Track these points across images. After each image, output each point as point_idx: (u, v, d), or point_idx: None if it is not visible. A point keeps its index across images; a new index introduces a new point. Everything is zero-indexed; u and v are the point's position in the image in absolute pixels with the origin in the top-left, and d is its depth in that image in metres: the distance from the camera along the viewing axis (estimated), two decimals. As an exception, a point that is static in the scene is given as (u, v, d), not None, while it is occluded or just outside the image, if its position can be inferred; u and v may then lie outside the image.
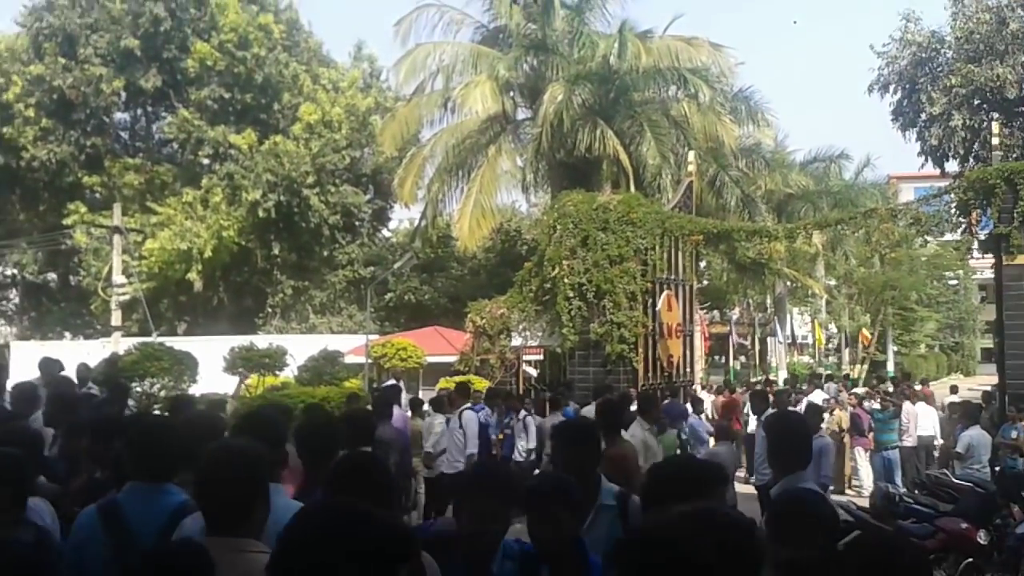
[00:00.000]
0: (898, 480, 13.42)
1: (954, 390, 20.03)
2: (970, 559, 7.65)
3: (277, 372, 18.79)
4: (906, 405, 15.07)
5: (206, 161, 34.52)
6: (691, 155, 20.27)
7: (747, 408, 13.96)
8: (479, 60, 24.26)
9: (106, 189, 34.24)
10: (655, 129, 22.14)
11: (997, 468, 11.76)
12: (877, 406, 15.66)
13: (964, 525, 7.81)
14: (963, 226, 16.14)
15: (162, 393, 15.36)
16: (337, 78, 36.32)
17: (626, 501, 3.69)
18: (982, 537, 7.59)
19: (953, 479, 10.20)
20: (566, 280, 16.24)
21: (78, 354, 18.49)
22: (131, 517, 3.27)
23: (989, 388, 17.97)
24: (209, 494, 2.74)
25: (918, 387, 19.77)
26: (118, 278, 25.07)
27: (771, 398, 12.58)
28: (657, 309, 16.70)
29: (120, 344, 21.79)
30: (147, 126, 38.61)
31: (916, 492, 9.43)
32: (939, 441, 15.08)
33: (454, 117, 25.33)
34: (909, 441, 14.70)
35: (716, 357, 44.32)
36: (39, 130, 33.03)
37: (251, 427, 3.77)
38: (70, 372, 11.55)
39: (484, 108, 23.55)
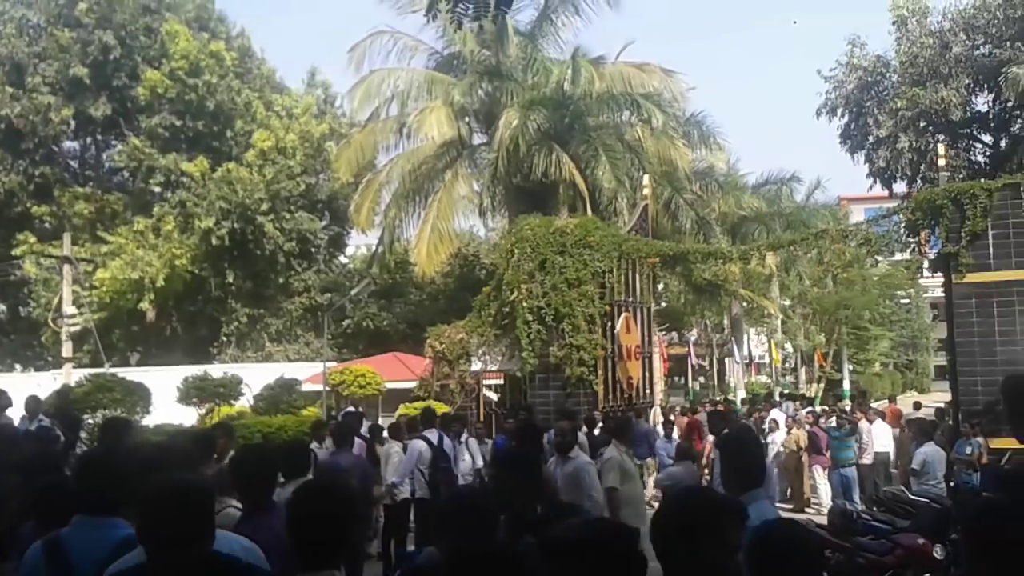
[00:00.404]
0: (856, 497, 13.55)
1: (917, 407, 20.37)
2: (927, 574, 7.73)
3: (232, 402, 18.51)
4: (862, 423, 15.25)
5: (158, 189, 34.10)
6: (646, 179, 20.47)
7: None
8: (434, 86, 24.34)
9: (55, 219, 33.63)
10: (610, 153, 22.34)
11: (952, 484, 11.96)
12: (834, 424, 15.83)
13: (921, 540, 7.90)
14: (912, 246, 16.45)
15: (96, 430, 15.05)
16: (291, 104, 36.13)
17: None
18: (938, 552, 7.68)
19: (910, 495, 10.34)
20: (525, 304, 16.25)
21: (29, 386, 18.06)
22: (73, 551, 3.26)
23: (942, 405, 18.27)
24: (151, 529, 2.72)
25: (885, 405, 20.09)
26: (68, 309, 24.57)
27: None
28: (616, 331, 16.77)
29: (71, 375, 21.32)
30: (97, 154, 38.06)
31: (874, 509, 9.52)
32: (892, 457, 15.29)
33: (410, 143, 25.38)
34: (867, 459, 14.87)
35: (675, 378, 44.56)
36: (-13, 159, 32.43)
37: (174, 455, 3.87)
38: (18, 405, 11.29)
39: (440, 133, 23.60)
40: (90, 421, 15.19)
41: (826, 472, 15.08)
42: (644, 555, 2.43)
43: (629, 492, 7.70)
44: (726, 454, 4.23)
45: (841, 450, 14.64)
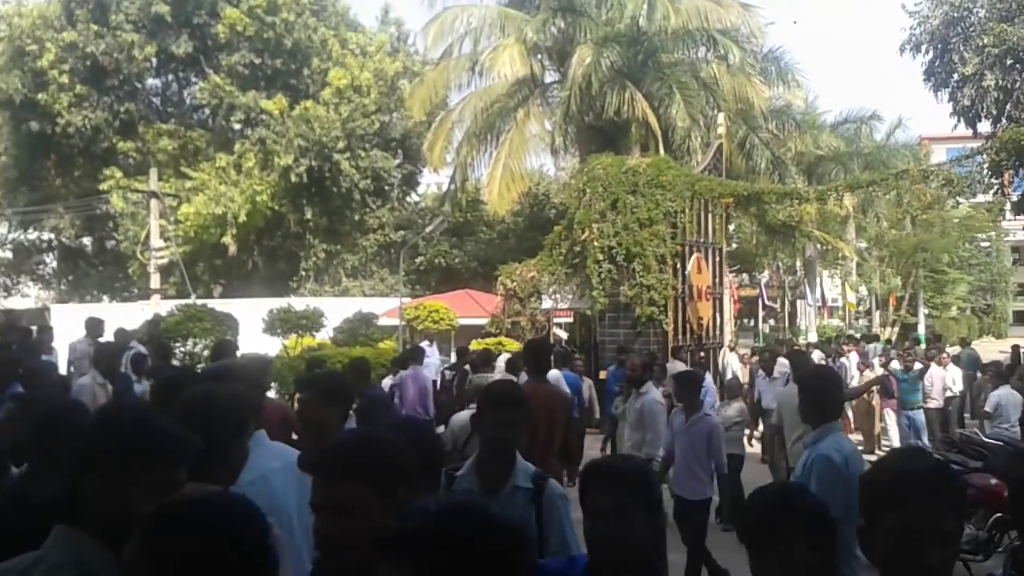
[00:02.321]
0: (924, 440, 13.55)
1: (964, 343, 20.33)
2: (999, 513, 7.82)
3: (314, 333, 19.16)
4: (932, 368, 15.16)
5: (238, 126, 34.78)
6: (720, 117, 20.26)
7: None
8: (507, 23, 24.24)
9: (140, 154, 34.61)
10: (684, 91, 22.08)
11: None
12: (901, 368, 15.76)
13: (993, 481, 7.97)
14: (995, 187, 16.08)
15: (205, 352, 15.74)
16: (365, 43, 36.33)
17: (543, 484, 3.25)
18: (1009, 492, 7.74)
19: (983, 438, 10.37)
20: (596, 243, 16.41)
21: (117, 317, 18.99)
22: None
23: (1021, 344, 18.02)
24: None
25: (956, 349, 19.87)
26: (156, 242, 25.51)
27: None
28: (687, 272, 16.86)
29: (159, 306, 22.24)
30: (179, 92, 38.87)
31: (946, 451, 9.59)
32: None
33: (482, 81, 25.39)
34: (933, 403, 14.82)
35: (745, 320, 44.30)
36: (73, 96, 33.36)
37: (230, 375, 3.79)
38: (109, 333, 11.94)
39: (512, 71, 23.56)
40: (181, 350, 15.96)
41: (896, 415, 15.08)
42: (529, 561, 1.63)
43: None
44: (807, 390, 4.41)
45: (909, 393, 14.59)
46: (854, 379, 16.01)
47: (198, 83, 36.08)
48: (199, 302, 19.89)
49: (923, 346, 21.02)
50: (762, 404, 11.15)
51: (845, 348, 19.35)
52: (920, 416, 14.29)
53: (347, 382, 4.07)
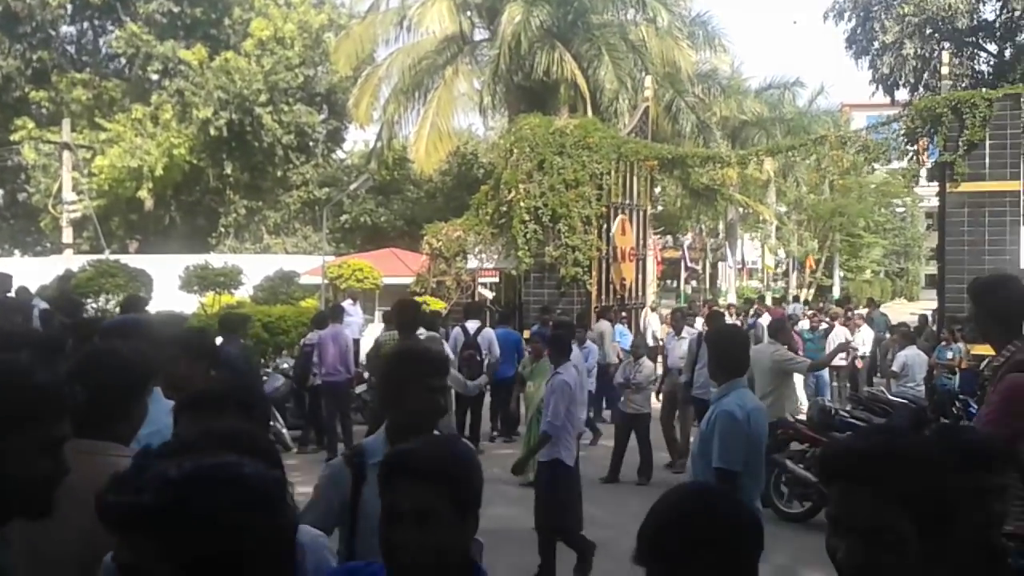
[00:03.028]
0: (828, 398, 14.00)
1: (871, 303, 21.37)
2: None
3: (232, 291, 18.81)
4: (836, 328, 15.70)
5: (155, 77, 33.71)
6: (648, 80, 20.36)
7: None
8: (436, -23, 23.85)
9: (53, 104, 33.32)
10: (613, 53, 22.11)
11: (931, 386, 12.44)
12: (808, 327, 16.25)
13: (895, 437, 8.27)
14: (911, 154, 16.55)
15: (116, 309, 15.32)
16: (289, -8, 35.41)
17: None
18: (909, 447, 8.05)
19: (889, 396, 10.77)
20: (522, 203, 16.42)
21: (30, 271, 18.33)
22: None
23: (929, 312, 18.73)
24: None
25: (864, 310, 20.64)
26: (68, 195, 24.62)
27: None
28: (611, 233, 17.01)
29: (72, 261, 21.53)
30: (94, 40, 37.38)
31: (852, 407, 9.92)
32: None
33: (410, 36, 24.96)
34: (839, 361, 15.37)
35: (668, 281, 45.04)
36: (-18, 43, 31.94)
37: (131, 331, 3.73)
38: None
39: (441, 28, 23.26)
40: (93, 306, 15.50)
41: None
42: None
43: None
44: (715, 346, 4.54)
45: (814, 353, 15.09)
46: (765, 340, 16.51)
47: (114, 31, 34.81)
48: (113, 258, 19.32)
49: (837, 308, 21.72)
50: (668, 363, 11.35)
51: (760, 310, 19.93)
52: (824, 375, 14.81)
53: (211, 338, 3.98)
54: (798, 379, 15.39)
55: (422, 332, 11.05)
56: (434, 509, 1.83)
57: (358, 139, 38.31)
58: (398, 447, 2.07)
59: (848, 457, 1.56)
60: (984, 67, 21.58)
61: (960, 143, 14.11)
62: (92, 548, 2.07)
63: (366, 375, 11.97)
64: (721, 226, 38.44)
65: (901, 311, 29.57)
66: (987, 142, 14.06)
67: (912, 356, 12.41)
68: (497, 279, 19.58)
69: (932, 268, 59.89)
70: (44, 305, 10.78)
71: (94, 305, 15.47)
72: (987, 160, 14.10)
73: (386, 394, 3.10)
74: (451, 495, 1.85)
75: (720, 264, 41.08)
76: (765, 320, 18.00)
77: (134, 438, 2.62)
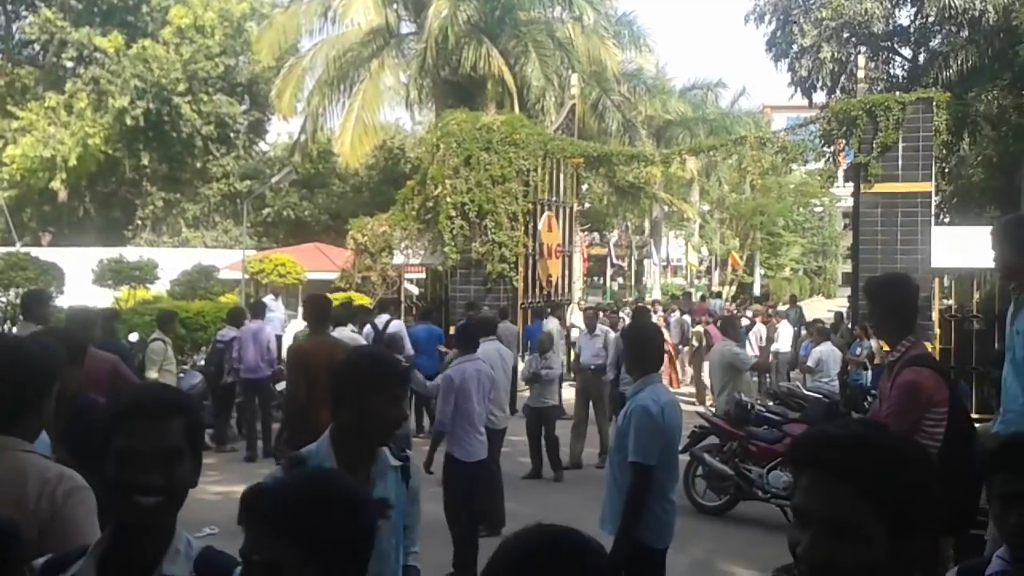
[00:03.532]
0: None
1: (792, 300, 21.95)
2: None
3: (148, 286, 18.33)
4: (757, 324, 16.13)
5: (70, 64, 32.63)
6: (574, 78, 20.48)
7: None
8: (362, -32, 23.57)
9: (-39, 90, 32.01)
10: (540, 50, 22.20)
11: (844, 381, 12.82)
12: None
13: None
14: (827, 155, 16.96)
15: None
16: (211, -20, 34.56)
17: (408, 458, 3.00)
18: (823, 441, 8.26)
19: (804, 391, 11.05)
20: (449, 199, 16.37)
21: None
22: None
23: (844, 311, 19.30)
24: None
25: (785, 307, 21.27)
26: (-25, 185, 23.68)
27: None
28: (538, 230, 17.07)
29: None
30: (7, 25, 35.89)
31: (769, 402, 10.13)
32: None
33: (335, 28, 24.71)
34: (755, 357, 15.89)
35: (595, 278, 45.47)
36: None
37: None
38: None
39: (367, 19, 23.04)
40: (3, 299, 14.93)
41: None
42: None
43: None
44: (631, 342, 4.58)
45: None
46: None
47: (28, 16, 33.54)
48: (23, 250, 18.62)
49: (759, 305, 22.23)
50: (580, 359, 11.43)
51: (672, 307, 20.47)
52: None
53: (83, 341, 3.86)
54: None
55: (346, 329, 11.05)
56: (285, 564, 1.55)
57: (282, 131, 37.78)
58: (258, 484, 1.82)
59: (824, 444, 1.43)
60: (899, 71, 22.23)
61: (874, 145, 14.50)
62: None
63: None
64: (646, 224, 38.96)
65: (819, 308, 30.33)
66: (900, 144, 14.48)
67: (827, 352, 12.75)
68: (423, 275, 19.47)
69: (849, 266, 61.79)
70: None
71: (3, 298, 14.89)
72: (900, 162, 14.53)
73: (341, 398, 2.83)
74: (306, 549, 1.56)
75: (645, 261, 41.62)
76: (677, 317, 18.53)
77: (39, 435, 2.58)
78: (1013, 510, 2.28)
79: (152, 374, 9.91)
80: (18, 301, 14.92)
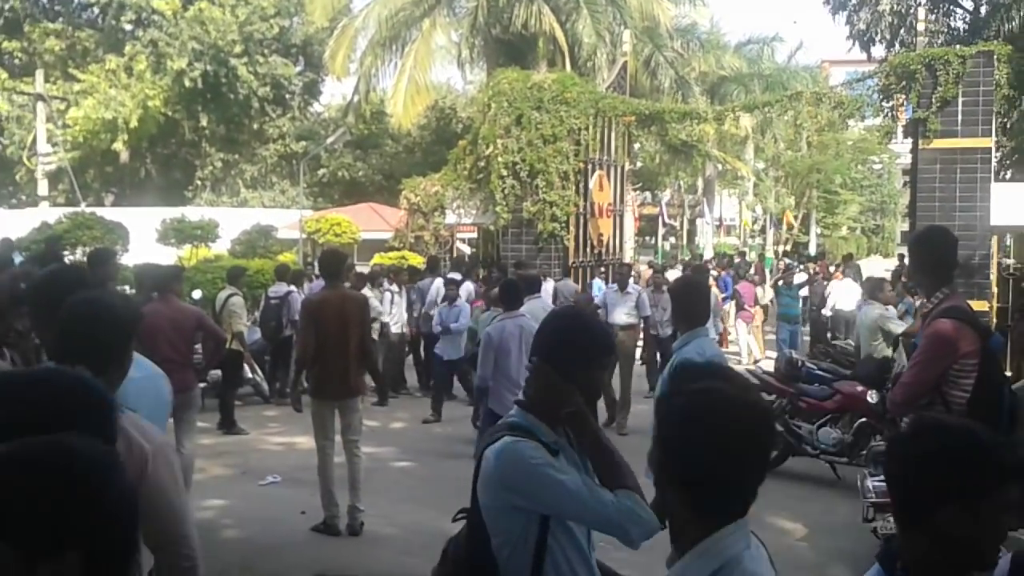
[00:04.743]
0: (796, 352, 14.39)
1: (846, 259, 22.02)
2: (864, 418, 8.39)
3: (210, 245, 18.80)
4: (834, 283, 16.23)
5: (129, 27, 33.12)
6: (626, 34, 20.30)
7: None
8: (414, -73, 23.55)
9: (26, 55, 32.74)
10: (591, 6, 22.01)
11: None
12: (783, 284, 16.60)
13: (859, 388, 8.52)
14: (886, 111, 16.64)
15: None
16: (264, -59, 34.74)
17: None
18: (872, 397, 8.30)
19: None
20: (500, 159, 16.45)
21: (5, 223, 18.20)
22: None
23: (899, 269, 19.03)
24: (68, 346, 2.56)
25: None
26: (43, 147, 24.36)
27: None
28: (589, 189, 17.09)
29: (48, 214, 21.40)
30: (66, -11, 36.66)
31: (820, 360, 10.16)
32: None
33: (388, -13, 24.68)
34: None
35: (646, 237, 45.26)
36: (-47, -9, 31.27)
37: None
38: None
39: (418, -23, 23.00)
40: (70, 258, 15.46)
41: (748, 327, 16.17)
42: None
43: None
44: (677, 297, 4.70)
45: (790, 308, 15.50)
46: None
47: (86, -21, 34.10)
48: (89, 210, 19.21)
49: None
50: (608, 318, 11.47)
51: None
52: (797, 328, 15.20)
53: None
54: (741, 331, 16.08)
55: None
56: None
57: (335, 92, 37.96)
58: None
59: None
60: (960, 23, 21.57)
61: (933, 100, 14.20)
62: None
63: None
64: (699, 182, 38.57)
65: (877, 267, 29.90)
66: (960, 99, 14.15)
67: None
68: (475, 234, 19.64)
69: (907, 225, 60.37)
70: (21, 257, 10.82)
71: (71, 257, 15.42)
72: (960, 117, 14.21)
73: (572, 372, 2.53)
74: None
75: (698, 220, 41.28)
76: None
77: (121, 383, 2.66)
78: None
79: (240, 327, 10.45)
80: (85, 260, 15.48)
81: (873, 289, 10.62)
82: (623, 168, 19.27)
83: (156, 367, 3.38)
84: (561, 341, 2.57)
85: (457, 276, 13.23)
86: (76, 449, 1.40)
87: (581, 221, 17.04)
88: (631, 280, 12.06)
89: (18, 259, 10.77)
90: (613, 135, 18.03)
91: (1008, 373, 8.98)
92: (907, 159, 22.02)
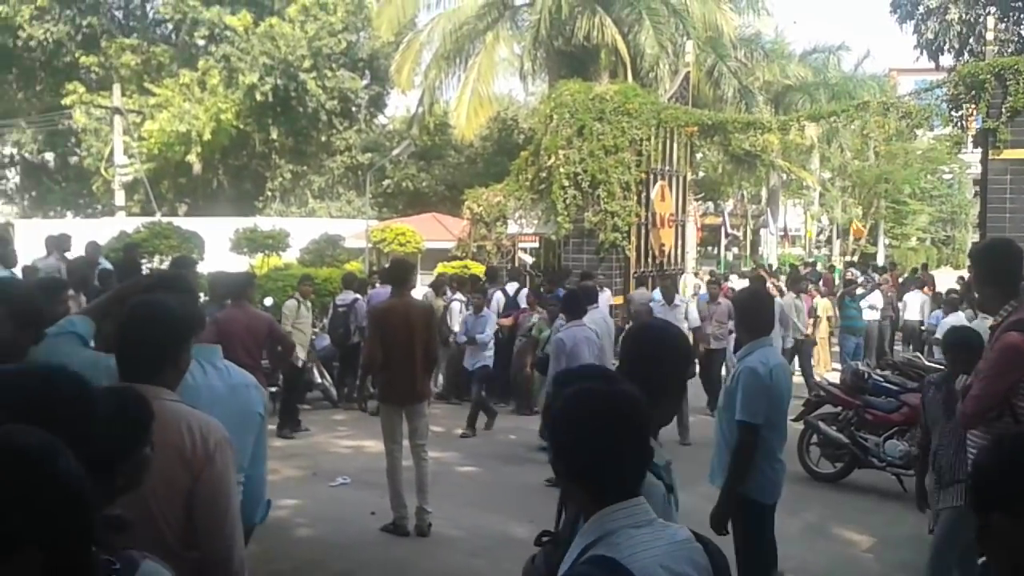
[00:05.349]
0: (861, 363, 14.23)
1: (915, 271, 21.49)
2: (930, 432, 8.29)
3: (280, 253, 19.28)
4: (875, 293, 16.00)
5: (202, 42, 34.08)
6: (689, 45, 20.31)
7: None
8: (478, -58, 23.91)
9: (103, 69, 33.91)
10: (654, 17, 22.05)
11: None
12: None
13: (926, 400, 8.41)
14: (955, 120, 16.43)
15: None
16: (332, -42, 35.50)
17: None
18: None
19: (925, 361, 10.87)
20: (562, 169, 16.59)
21: (83, 233, 18.86)
22: None
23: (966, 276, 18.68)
24: (129, 343, 2.73)
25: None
26: (120, 158, 25.22)
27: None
28: (651, 199, 17.12)
29: (125, 223, 22.16)
30: (142, 5, 37.81)
31: (888, 372, 10.06)
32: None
33: (451, 1, 25.12)
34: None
35: (709, 247, 44.90)
36: (35, 9, 32.44)
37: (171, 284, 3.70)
38: (77, 249, 11.97)
39: (482, -8, 23.32)
40: (148, 266, 16.03)
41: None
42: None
43: None
44: (741, 308, 4.79)
45: (855, 320, 15.33)
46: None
47: (161, -3, 35.19)
48: (165, 220, 19.86)
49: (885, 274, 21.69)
50: None
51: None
52: (861, 340, 15.04)
53: (40, 306, 3.48)
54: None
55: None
56: None
57: (400, 104, 38.54)
58: None
59: None
60: (1031, 32, 21.22)
61: (1003, 110, 13.99)
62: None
63: None
64: (763, 192, 38.18)
65: (948, 279, 29.28)
66: (1031, 109, 13.92)
67: (956, 323, 12.48)
68: (537, 244, 19.79)
69: (978, 236, 58.80)
70: (106, 265, 11.28)
71: (149, 266, 15.99)
72: (1031, 127, 13.98)
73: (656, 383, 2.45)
74: None
75: (762, 231, 40.83)
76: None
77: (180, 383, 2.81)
78: None
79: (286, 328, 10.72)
80: (164, 268, 16.04)
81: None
82: (685, 178, 19.26)
83: (248, 376, 3.48)
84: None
85: (515, 285, 13.45)
86: (7, 441, 1.35)
87: (643, 231, 17.08)
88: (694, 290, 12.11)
89: (104, 265, 11.22)
90: (675, 145, 18.05)
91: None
92: (977, 169, 21.62)
